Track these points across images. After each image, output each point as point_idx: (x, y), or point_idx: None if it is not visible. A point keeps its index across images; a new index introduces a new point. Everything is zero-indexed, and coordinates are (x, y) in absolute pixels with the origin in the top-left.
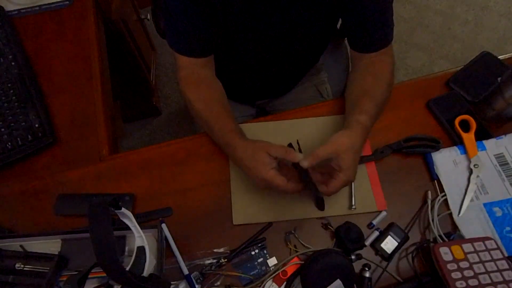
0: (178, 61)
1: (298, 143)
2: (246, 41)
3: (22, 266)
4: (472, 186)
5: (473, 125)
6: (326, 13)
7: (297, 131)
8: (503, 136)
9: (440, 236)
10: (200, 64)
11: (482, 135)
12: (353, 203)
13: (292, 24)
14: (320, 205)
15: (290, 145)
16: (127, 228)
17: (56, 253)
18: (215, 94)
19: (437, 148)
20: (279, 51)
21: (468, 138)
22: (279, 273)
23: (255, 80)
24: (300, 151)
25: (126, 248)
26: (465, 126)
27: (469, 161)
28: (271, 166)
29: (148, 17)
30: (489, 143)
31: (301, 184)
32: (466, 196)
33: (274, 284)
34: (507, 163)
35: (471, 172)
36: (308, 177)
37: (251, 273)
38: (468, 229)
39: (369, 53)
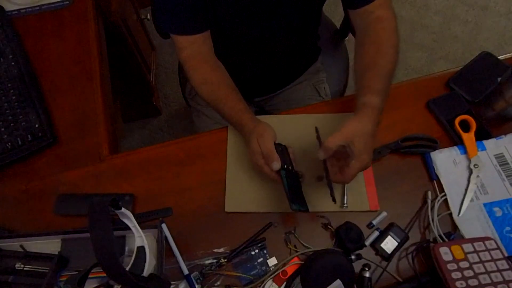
0: (177, 43)
1: (317, 130)
2: (235, 21)
3: (22, 266)
4: (472, 186)
5: (473, 125)
6: None
7: (296, 127)
8: (503, 136)
9: (440, 236)
10: (198, 41)
11: (482, 135)
12: (345, 202)
13: None
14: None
15: (279, 144)
16: (127, 228)
17: (56, 253)
18: (220, 76)
19: (434, 148)
20: (268, 28)
21: (468, 138)
22: (279, 273)
23: (250, 67)
24: (319, 139)
25: (126, 248)
26: (465, 126)
27: (469, 161)
28: (261, 156)
29: (148, 17)
30: (489, 143)
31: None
32: (466, 196)
33: (274, 284)
34: (507, 163)
35: (471, 172)
36: (325, 167)
37: (251, 273)
38: (468, 229)
39: (365, 6)
